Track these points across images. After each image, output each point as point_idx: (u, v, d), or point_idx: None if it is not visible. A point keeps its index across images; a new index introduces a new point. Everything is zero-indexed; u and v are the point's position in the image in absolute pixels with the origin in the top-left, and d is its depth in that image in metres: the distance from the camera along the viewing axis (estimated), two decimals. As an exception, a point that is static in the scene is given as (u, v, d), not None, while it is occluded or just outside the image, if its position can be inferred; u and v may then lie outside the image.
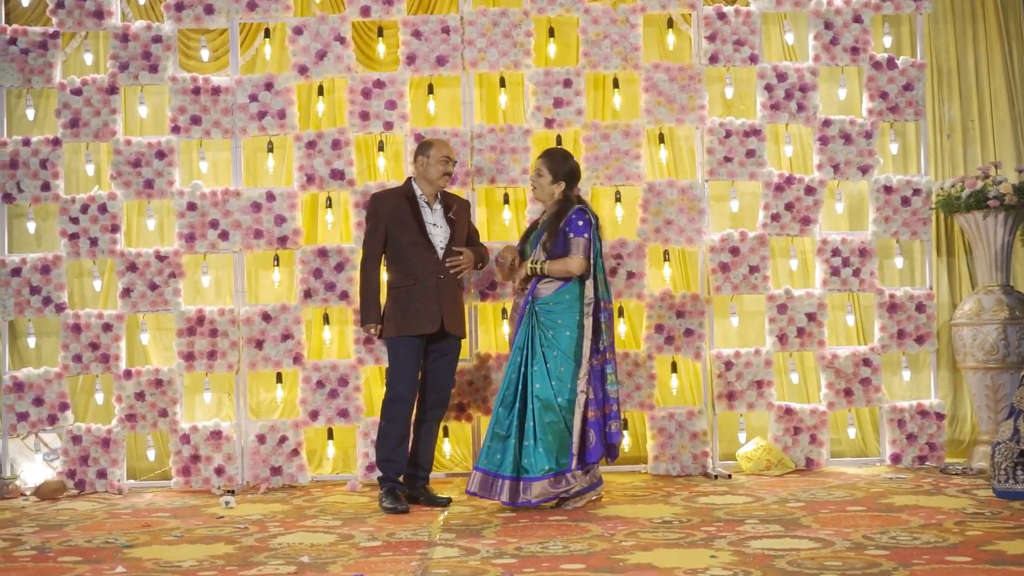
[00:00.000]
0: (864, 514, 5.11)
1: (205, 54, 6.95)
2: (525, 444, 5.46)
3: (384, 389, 5.80)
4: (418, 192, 5.86)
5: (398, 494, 5.67)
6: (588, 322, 5.55)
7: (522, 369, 5.56)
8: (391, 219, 5.79)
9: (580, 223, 5.56)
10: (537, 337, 5.56)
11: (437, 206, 5.87)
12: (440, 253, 5.78)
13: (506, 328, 6.63)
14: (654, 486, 6.20)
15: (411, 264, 5.75)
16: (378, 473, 5.79)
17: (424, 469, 5.89)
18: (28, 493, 6.50)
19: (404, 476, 5.79)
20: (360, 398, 6.61)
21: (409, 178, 5.99)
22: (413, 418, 5.82)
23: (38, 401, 6.63)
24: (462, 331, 5.95)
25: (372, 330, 5.82)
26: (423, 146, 5.90)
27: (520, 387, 5.54)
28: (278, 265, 6.76)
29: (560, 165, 5.69)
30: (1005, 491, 5.43)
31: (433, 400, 5.88)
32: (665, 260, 6.82)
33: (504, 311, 6.75)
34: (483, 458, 5.55)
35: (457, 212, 5.92)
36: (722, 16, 6.82)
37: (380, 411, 5.80)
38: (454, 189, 6.28)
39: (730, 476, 6.47)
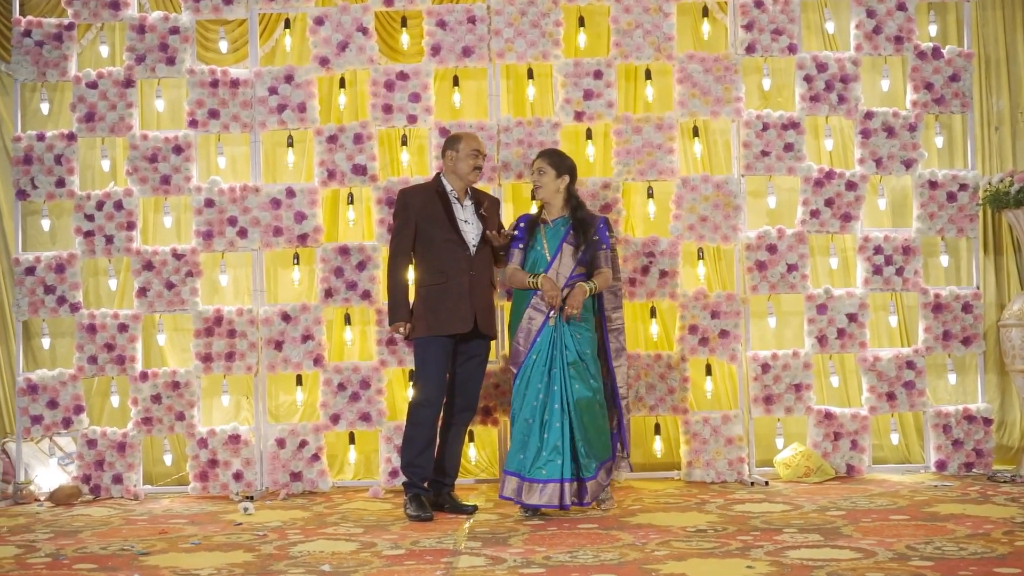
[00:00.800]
0: (908, 523, 5.02)
1: (223, 46, 6.90)
2: (578, 447, 5.44)
3: (409, 392, 5.69)
4: (448, 188, 5.78)
5: (423, 500, 5.58)
6: (620, 327, 5.68)
7: (548, 377, 5.48)
8: (422, 215, 5.72)
9: (607, 234, 5.70)
10: (570, 340, 5.51)
11: (468, 202, 5.79)
12: (472, 250, 5.70)
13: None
14: (688, 493, 6.14)
15: (443, 261, 5.67)
16: (402, 479, 5.74)
17: (450, 475, 5.83)
18: (42, 498, 6.48)
19: (429, 482, 5.70)
20: (383, 401, 6.51)
21: (437, 173, 5.95)
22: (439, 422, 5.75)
23: (52, 404, 6.57)
24: (494, 331, 5.92)
25: (402, 329, 5.75)
26: (451, 140, 5.82)
27: (559, 391, 5.46)
28: (298, 263, 6.69)
29: (560, 160, 5.73)
30: (1058, 500, 5.32)
31: (461, 404, 5.82)
32: (699, 258, 6.72)
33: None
34: (531, 467, 5.42)
35: (488, 208, 5.86)
36: (759, 4, 6.72)
37: (407, 415, 5.75)
38: (480, 184, 6.16)
39: (767, 483, 6.39)
